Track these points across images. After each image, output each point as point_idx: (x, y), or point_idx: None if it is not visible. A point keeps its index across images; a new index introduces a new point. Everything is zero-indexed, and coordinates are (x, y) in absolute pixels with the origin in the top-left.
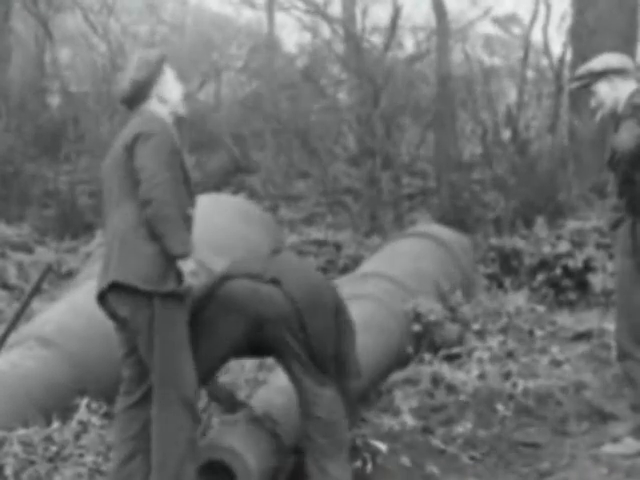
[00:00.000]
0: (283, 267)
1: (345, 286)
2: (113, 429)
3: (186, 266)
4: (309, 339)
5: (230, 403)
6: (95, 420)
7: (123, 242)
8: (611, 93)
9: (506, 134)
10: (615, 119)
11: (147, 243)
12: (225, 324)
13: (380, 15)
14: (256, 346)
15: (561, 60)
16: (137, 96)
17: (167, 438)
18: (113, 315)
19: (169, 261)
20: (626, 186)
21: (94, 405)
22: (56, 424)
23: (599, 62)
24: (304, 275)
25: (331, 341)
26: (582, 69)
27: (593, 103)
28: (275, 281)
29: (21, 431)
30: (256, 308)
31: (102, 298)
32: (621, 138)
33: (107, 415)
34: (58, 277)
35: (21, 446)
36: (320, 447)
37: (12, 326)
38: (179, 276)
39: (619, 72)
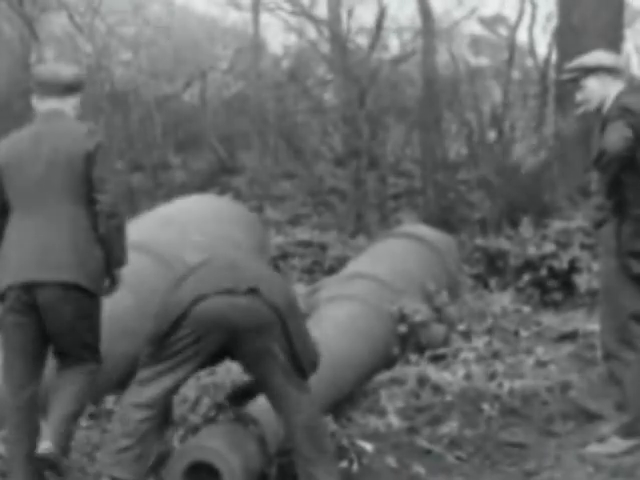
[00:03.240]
0: (255, 274)
1: (331, 287)
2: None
3: (122, 274)
4: (292, 343)
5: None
6: (81, 421)
7: (74, 244)
8: (599, 90)
9: (491, 134)
10: (601, 119)
11: (97, 247)
12: (205, 342)
13: (365, 16)
14: (231, 355)
15: (546, 61)
16: None
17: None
18: (28, 301)
19: (106, 266)
20: (614, 187)
21: None
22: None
23: (592, 58)
24: (276, 279)
25: (310, 342)
26: (574, 62)
27: (579, 97)
28: (253, 290)
29: (5, 431)
30: (237, 323)
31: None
32: (611, 140)
33: (92, 416)
34: None
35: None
36: (305, 454)
37: None
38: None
39: (610, 70)
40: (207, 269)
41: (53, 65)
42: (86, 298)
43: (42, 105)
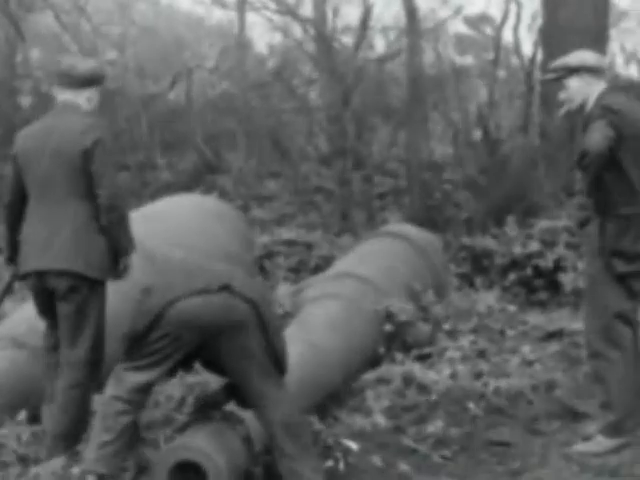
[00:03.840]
0: (226, 273)
1: (317, 286)
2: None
3: (131, 260)
4: (269, 336)
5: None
6: None
7: (75, 235)
8: (582, 90)
9: (477, 134)
10: (583, 118)
11: (99, 238)
12: (181, 344)
13: (351, 15)
14: (206, 357)
15: (532, 60)
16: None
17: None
18: (42, 287)
19: (113, 254)
20: (595, 186)
21: None
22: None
23: (575, 57)
24: (248, 276)
25: (283, 336)
26: (558, 62)
27: (562, 96)
28: (226, 287)
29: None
30: (212, 322)
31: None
32: (593, 140)
33: None
34: None
35: None
36: (288, 452)
37: None
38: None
39: (593, 70)
40: (178, 272)
41: (72, 57)
42: (86, 286)
43: (60, 95)
